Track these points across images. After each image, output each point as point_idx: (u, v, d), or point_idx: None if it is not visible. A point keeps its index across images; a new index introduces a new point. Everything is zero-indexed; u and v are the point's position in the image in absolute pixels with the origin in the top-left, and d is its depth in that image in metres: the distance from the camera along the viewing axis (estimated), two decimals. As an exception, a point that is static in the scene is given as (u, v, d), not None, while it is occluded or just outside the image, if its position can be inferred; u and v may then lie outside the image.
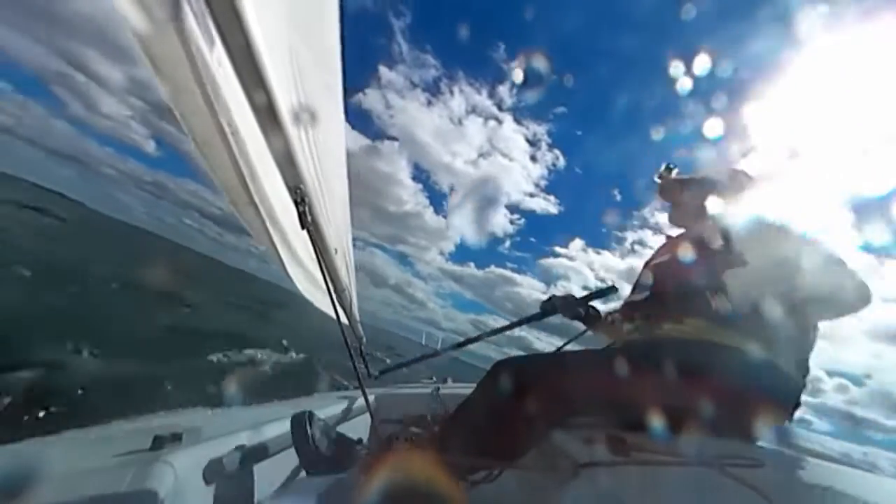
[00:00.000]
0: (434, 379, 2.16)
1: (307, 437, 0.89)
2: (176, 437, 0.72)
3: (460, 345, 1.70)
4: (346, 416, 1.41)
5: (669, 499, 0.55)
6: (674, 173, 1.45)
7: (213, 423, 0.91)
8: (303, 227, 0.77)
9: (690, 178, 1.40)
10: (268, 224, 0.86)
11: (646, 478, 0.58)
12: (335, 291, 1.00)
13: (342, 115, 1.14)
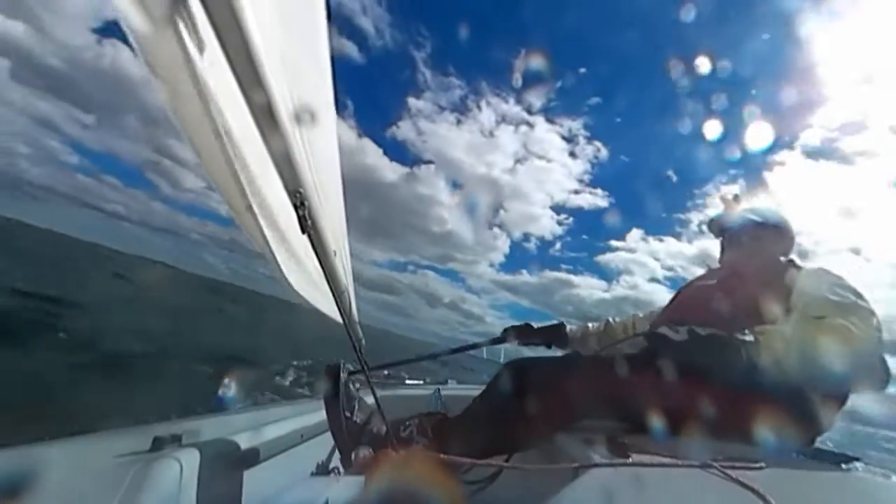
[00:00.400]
0: (427, 381, 2.16)
1: (338, 391, 0.90)
2: (176, 438, 0.71)
3: (434, 355, 1.80)
4: None
5: (670, 500, 0.54)
6: (742, 205, 1.48)
7: (213, 425, 0.90)
8: (303, 231, 0.76)
9: (764, 222, 1.41)
10: (265, 229, 0.85)
11: (646, 479, 0.58)
12: (336, 293, 1.00)
13: (334, 118, 1.13)
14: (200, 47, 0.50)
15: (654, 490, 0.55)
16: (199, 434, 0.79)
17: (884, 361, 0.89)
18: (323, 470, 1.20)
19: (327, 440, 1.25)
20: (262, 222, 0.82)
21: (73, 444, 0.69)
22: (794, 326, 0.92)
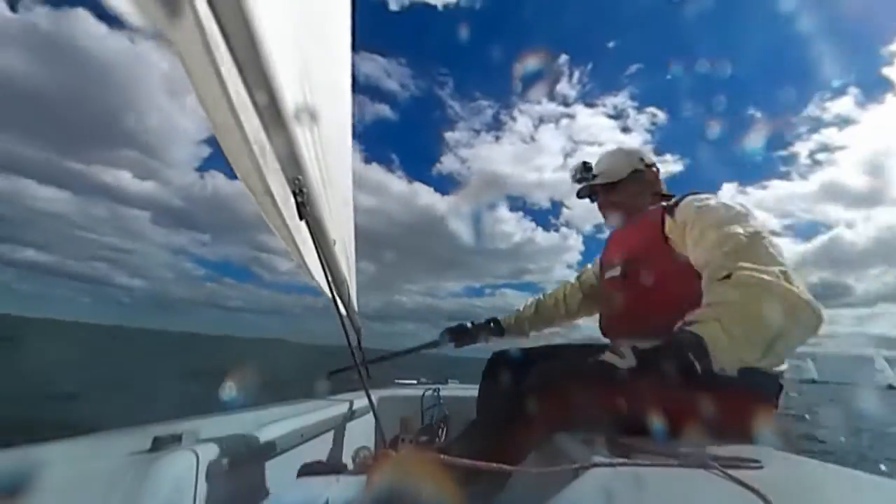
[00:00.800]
0: (422, 380, 2.12)
1: None
2: (175, 439, 0.72)
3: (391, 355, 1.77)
4: (349, 417, 1.40)
5: (670, 500, 0.54)
6: (595, 168, 1.38)
7: (212, 425, 0.90)
8: (301, 218, 0.80)
9: (615, 181, 1.31)
10: (284, 215, 0.88)
11: (646, 479, 0.58)
12: (334, 283, 1.03)
13: (349, 113, 1.18)
14: (216, 35, 0.54)
15: (655, 490, 0.54)
16: (198, 434, 0.79)
17: (806, 302, 0.77)
18: (324, 469, 1.18)
19: (327, 440, 1.25)
20: (279, 207, 0.85)
21: (72, 445, 0.70)
22: (709, 299, 0.83)
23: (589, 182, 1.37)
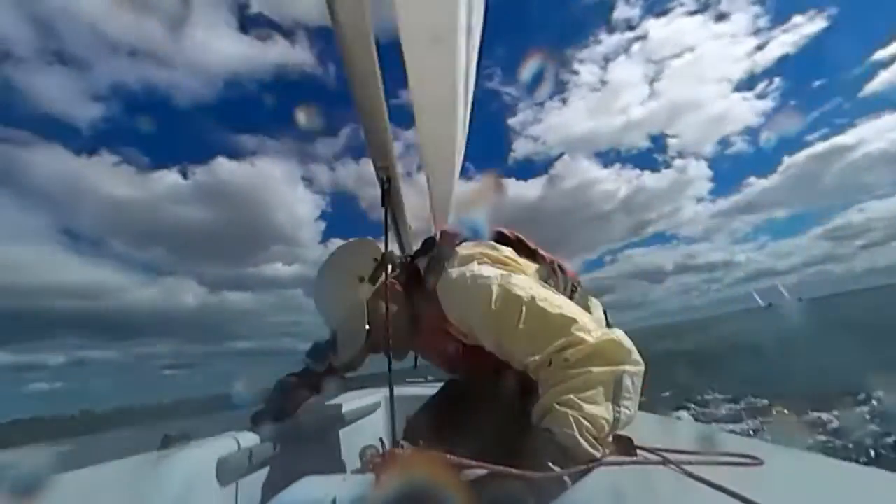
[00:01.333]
0: (430, 378, 2.02)
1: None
2: (183, 437, 0.74)
3: None
4: (357, 415, 1.40)
5: (672, 499, 0.53)
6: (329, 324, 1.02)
7: (220, 424, 0.93)
8: (382, 205, 0.92)
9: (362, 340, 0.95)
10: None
11: (651, 479, 0.58)
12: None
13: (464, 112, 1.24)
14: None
15: (657, 488, 0.55)
16: (206, 433, 0.80)
17: (608, 342, 0.69)
18: (331, 468, 1.19)
19: (335, 438, 1.27)
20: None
21: (82, 444, 0.91)
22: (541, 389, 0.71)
23: (341, 363, 1.02)
